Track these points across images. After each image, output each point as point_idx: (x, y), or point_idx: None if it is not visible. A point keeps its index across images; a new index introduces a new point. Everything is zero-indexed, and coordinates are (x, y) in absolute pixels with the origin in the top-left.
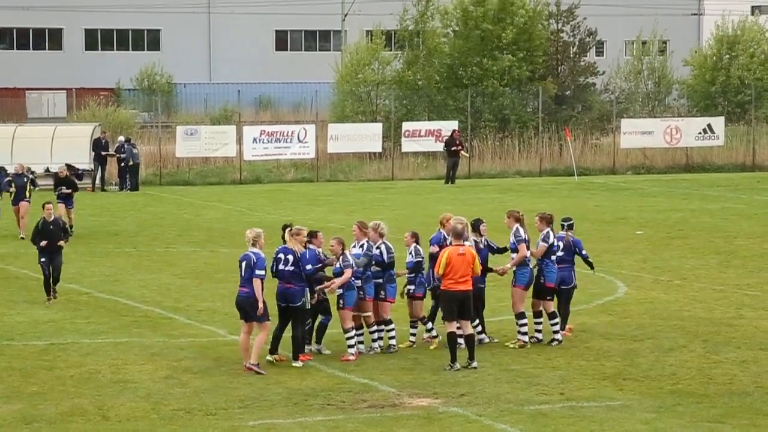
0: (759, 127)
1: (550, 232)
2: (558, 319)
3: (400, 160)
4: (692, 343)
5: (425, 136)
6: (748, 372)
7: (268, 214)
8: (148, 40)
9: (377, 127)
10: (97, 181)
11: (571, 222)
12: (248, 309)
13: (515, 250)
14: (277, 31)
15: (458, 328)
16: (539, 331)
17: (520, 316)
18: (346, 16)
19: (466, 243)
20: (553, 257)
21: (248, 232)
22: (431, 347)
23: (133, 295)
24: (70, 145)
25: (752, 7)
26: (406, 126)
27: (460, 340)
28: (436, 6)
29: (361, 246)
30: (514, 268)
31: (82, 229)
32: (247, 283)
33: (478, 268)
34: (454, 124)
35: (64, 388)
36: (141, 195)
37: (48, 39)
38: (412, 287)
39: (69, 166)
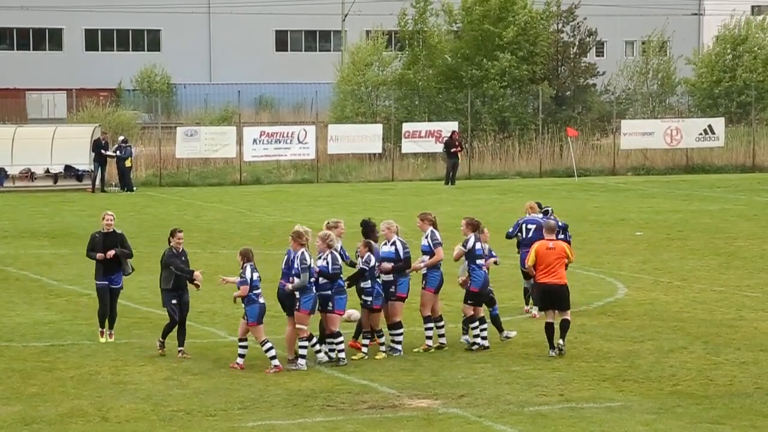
0: (759, 129)
1: (471, 237)
2: (486, 325)
3: (400, 161)
4: (692, 345)
5: (425, 137)
6: (749, 373)
7: (268, 215)
8: (148, 40)
9: (377, 128)
10: (97, 182)
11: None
12: (285, 302)
13: (427, 252)
14: (277, 31)
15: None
16: (485, 338)
17: (427, 319)
18: (346, 16)
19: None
20: (480, 261)
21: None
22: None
23: (133, 296)
24: (70, 145)
25: (752, 6)
26: (406, 127)
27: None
28: (439, 7)
29: (325, 258)
30: (425, 271)
31: (82, 230)
32: (285, 278)
33: (572, 257)
34: (454, 126)
35: (64, 389)
36: (141, 196)
37: (48, 39)
38: (369, 299)
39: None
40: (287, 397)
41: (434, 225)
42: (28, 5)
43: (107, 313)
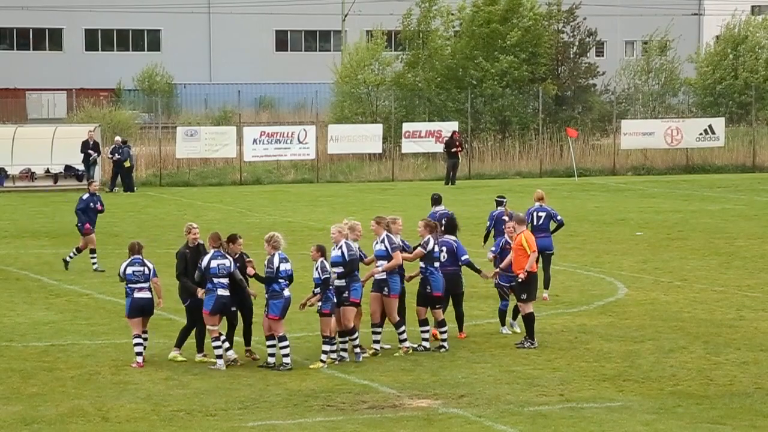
0: (759, 128)
1: (431, 239)
2: (446, 327)
3: (400, 161)
4: (692, 345)
5: (425, 137)
6: (749, 373)
7: (269, 215)
8: (148, 40)
9: (377, 128)
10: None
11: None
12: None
13: (382, 257)
14: (277, 31)
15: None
16: (426, 339)
17: (399, 324)
18: (346, 16)
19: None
20: (437, 264)
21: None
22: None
23: None
24: (70, 145)
25: (752, 6)
26: (406, 127)
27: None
28: (439, 7)
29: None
30: (385, 275)
31: None
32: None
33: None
34: (454, 126)
35: (64, 389)
36: (141, 196)
37: (48, 39)
38: (319, 304)
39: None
40: (287, 397)
41: (389, 229)
42: (28, 5)
43: (189, 333)
